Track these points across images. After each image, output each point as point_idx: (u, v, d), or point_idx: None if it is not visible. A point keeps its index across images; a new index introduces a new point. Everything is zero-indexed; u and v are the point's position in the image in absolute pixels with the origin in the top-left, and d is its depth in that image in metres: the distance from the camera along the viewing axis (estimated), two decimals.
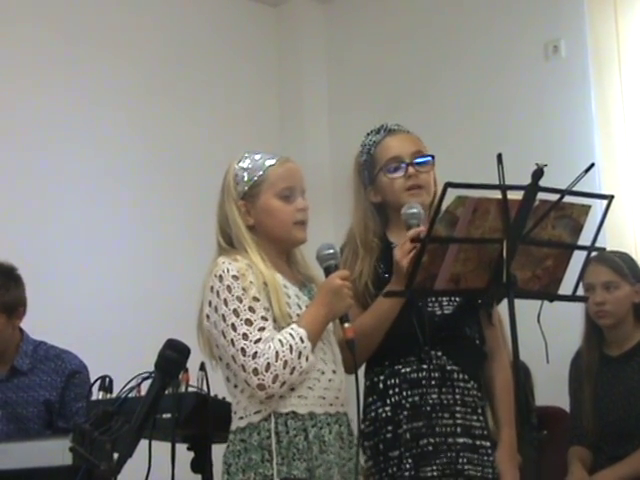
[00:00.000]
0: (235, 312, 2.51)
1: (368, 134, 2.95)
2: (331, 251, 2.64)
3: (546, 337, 2.46)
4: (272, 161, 2.69)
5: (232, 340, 2.50)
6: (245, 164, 2.70)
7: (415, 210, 2.72)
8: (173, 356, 2.28)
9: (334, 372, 2.62)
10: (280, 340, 2.50)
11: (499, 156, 2.33)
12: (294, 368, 2.49)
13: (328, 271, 2.62)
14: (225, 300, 2.53)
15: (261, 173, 2.67)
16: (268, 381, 2.47)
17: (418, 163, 2.86)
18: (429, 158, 2.89)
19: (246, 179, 2.67)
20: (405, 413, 2.72)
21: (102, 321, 4.37)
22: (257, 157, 2.71)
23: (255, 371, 2.47)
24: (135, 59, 4.90)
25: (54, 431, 3.51)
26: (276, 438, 2.50)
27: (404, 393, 2.74)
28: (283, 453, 2.50)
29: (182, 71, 5.06)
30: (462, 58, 4.91)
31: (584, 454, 3.73)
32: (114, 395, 2.85)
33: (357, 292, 2.78)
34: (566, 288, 2.53)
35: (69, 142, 4.57)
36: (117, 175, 4.71)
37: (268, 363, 2.47)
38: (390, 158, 2.86)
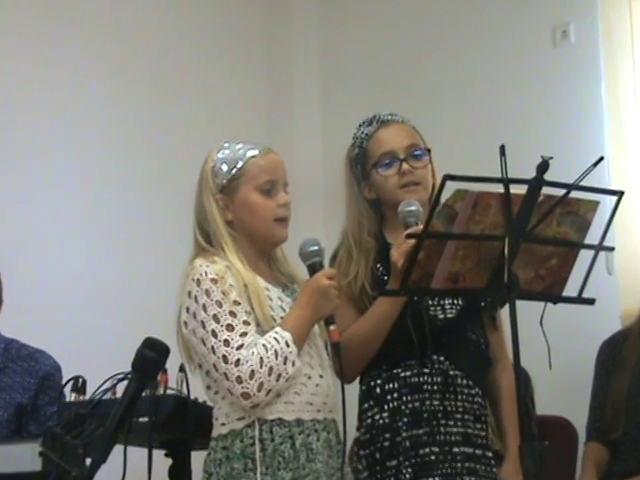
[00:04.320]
0: (215, 318, 2.53)
1: (360, 125, 2.95)
2: (315, 247, 2.65)
3: (549, 342, 2.46)
4: (254, 152, 2.69)
5: (213, 347, 2.52)
6: (224, 154, 2.70)
7: (413, 208, 2.73)
8: (151, 356, 2.28)
9: (321, 376, 2.64)
10: (264, 345, 2.51)
11: (502, 148, 2.32)
12: (280, 374, 2.51)
13: (312, 269, 2.64)
14: (204, 305, 2.55)
15: (241, 165, 2.67)
16: (253, 389, 2.49)
17: (413, 157, 2.86)
18: (425, 151, 2.90)
19: (225, 171, 2.68)
20: (405, 420, 2.73)
21: (74, 317, 4.34)
22: (237, 147, 2.71)
23: (239, 379, 2.49)
24: (119, 42, 4.86)
25: (25, 435, 3.51)
26: (260, 446, 2.52)
27: (404, 398, 2.75)
28: (267, 462, 2.52)
29: (166, 55, 5.03)
30: (463, 43, 4.91)
31: (601, 453, 3.72)
32: (87, 397, 2.85)
33: (354, 295, 2.81)
34: (571, 289, 2.54)
35: (48, 128, 4.55)
36: (92, 166, 4.71)
37: (252, 370, 2.49)
38: (383, 153, 2.87)
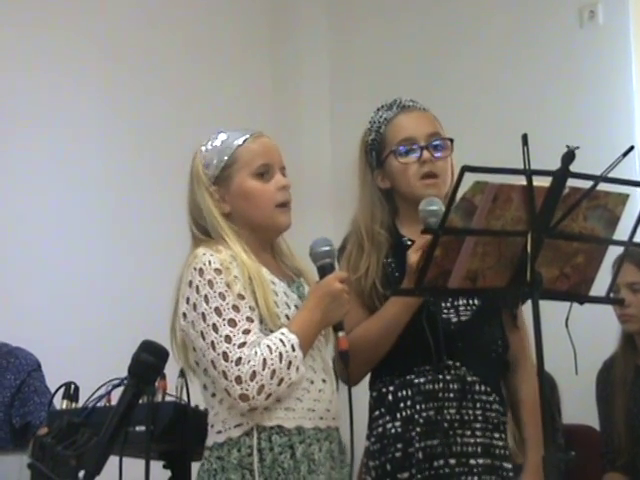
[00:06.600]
0: (217, 311, 2.52)
1: (378, 109, 2.95)
2: (327, 248, 2.64)
3: (575, 345, 2.46)
4: (244, 137, 2.69)
5: (212, 343, 2.51)
6: (212, 145, 2.70)
7: (435, 207, 2.70)
8: (149, 360, 2.28)
9: (324, 382, 2.63)
10: (268, 346, 2.50)
11: (524, 137, 2.32)
12: (282, 379, 2.50)
13: (323, 271, 2.63)
14: (206, 297, 2.53)
15: (232, 151, 2.67)
16: (252, 392, 2.48)
17: (434, 147, 2.86)
18: (447, 142, 2.90)
19: (216, 161, 2.67)
20: (418, 429, 2.73)
21: (66, 319, 4.36)
22: (225, 136, 2.70)
23: (238, 379, 2.48)
24: (119, 38, 4.92)
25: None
26: (259, 456, 2.51)
27: (417, 407, 2.75)
28: (266, 473, 2.50)
29: (169, 54, 5.09)
30: (484, 26, 4.91)
31: None
32: (80, 404, 2.86)
33: (363, 292, 2.80)
34: (599, 289, 2.53)
35: (35, 119, 4.57)
36: (90, 164, 4.72)
37: (254, 371, 2.48)
38: (402, 139, 2.87)
